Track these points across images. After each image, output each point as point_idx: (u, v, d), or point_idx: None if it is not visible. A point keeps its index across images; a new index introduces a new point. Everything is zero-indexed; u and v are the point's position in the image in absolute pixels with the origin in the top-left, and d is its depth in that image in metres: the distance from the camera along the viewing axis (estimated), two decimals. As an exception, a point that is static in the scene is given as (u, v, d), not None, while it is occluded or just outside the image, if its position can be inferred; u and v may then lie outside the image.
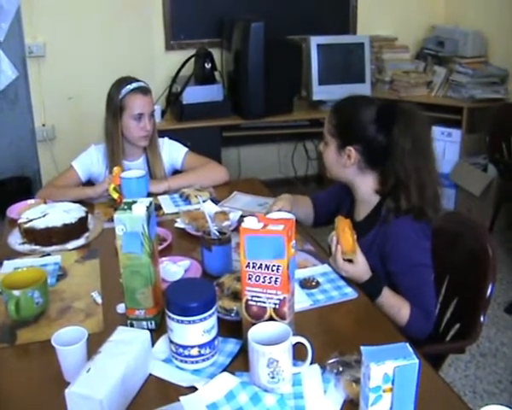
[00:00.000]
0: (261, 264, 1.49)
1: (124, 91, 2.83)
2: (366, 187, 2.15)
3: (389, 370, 1.24)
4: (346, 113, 2.14)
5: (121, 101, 2.83)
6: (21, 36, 4.97)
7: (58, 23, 4.93)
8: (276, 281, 1.49)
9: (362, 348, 1.30)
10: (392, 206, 2.03)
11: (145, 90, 2.85)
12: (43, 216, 2.36)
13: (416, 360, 1.25)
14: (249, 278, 1.51)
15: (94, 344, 1.51)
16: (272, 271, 1.49)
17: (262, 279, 1.50)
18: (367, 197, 2.16)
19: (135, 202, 1.64)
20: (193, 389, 1.45)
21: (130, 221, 1.60)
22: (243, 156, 5.36)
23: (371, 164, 2.10)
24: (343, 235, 1.91)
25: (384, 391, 1.26)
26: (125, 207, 1.63)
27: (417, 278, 1.97)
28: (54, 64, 4.99)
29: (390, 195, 2.06)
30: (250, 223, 1.52)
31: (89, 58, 5.00)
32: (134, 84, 2.84)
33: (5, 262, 2.20)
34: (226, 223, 2.26)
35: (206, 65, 4.52)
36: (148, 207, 1.62)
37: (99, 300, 1.90)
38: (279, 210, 2.20)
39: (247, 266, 1.50)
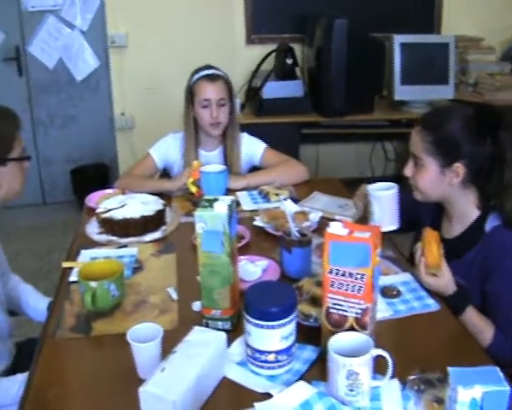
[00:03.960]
0: (345, 271, 1.44)
1: (194, 78, 2.85)
2: (466, 203, 2.02)
3: (477, 395, 1.17)
4: (445, 126, 1.96)
5: (191, 87, 2.85)
6: (104, 26, 5.07)
7: (140, 14, 5.00)
8: (359, 290, 1.44)
9: (449, 368, 1.24)
10: (497, 219, 1.93)
11: (213, 78, 2.83)
12: (122, 207, 2.36)
13: (508, 387, 1.18)
14: (331, 285, 1.46)
15: (168, 341, 1.50)
16: (356, 279, 1.43)
17: (345, 287, 1.45)
18: (465, 213, 2.04)
19: (216, 200, 1.61)
20: (267, 395, 1.42)
21: (211, 219, 1.57)
22: (321, 154, 5.28)
23: (476, 178, 1.97)
24: (429, 248, 1.83)
25: (470, 417, 1.19)
26: (207, 204, 1.60)
27: None
28: (135, 54, 5.07)
29: (494, 208, 1.95)
30: (335, 228, 1.46)
31: (169, 49, 5.05)
32: (205, 72, 2.84)
33: (82, 251, 2.21)
34: (306, 224, 2.21)
35: (287, 60, 4.47)
36: (229, 206, 1.59)
37: (174, 296, 1.88)
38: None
39: (330, 272, 1.45)
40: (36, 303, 2.31)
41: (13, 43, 5.24)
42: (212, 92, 2.80)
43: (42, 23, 5.19)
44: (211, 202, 1.60)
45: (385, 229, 1.96)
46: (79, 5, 5.14)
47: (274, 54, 4.67)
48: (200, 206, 1.60)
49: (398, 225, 2.07)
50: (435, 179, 2.00)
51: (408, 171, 2.07)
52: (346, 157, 5.45)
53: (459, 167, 1.94)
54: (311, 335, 1.60)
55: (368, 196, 2.11)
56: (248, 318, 1.45)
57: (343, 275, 1.44)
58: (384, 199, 2.06)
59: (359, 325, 1.47)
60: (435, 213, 2.17)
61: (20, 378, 1.83)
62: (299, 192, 2.69)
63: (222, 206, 1.58)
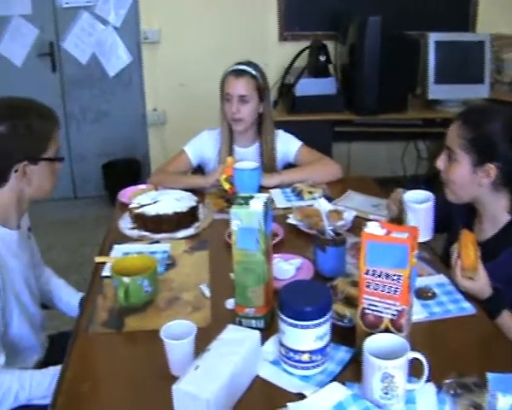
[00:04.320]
0: (381, 272, 1.42)
1: (224, 73, 2.86)
2: (497, 206, 2.00)
3: (518, 402, 1.15)
4: (484, 126, 1.94)
5: (222, 81, 2.86)
6: (137, 22, 5.10)
7: (174, 10, 5.01)
8: (395, 291, 1.42)
9: (488, 374, 1.21)
10: None
11: (238, 73, 2.82)
12: (154, 203, 2.37)
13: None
14: (367, 286, 1.45)
15: (201, 339, 1.49)
16: (393, 280, 1.41)
17: (381, 288, 1.43)
18: (496, 216, 2.01)
19: (252, 197, 1.60)
20: (300, 396, 1.41)
21: (247, 217, 1.56)
22: (353, 152, 5.25)
23: (508, 181, 1.95)
24: (465, 251, 1.80)
25: (510, 424, 1.16)
26: (242, 201, 1.58)
27: None
28: (168, 50, 5.09)
29: None
30: (373, 228, 1.44)
31: (202, 46, 5.06)
32: (234, 67, 2.84)
33: (115, 246, 2.22)
34: (340, 222, 2.19)
35: (320, 57, 4.45)
36: (265, 203, 1.57)
37: (207, 293, 1.88)
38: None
39: (367, 273, 1.44)
40: (68, 298, 2.32)
41: (47, 39, 5.28)
42: (234, 88, 2.80)
43: (76, 19, 5.23)
44: (246, 200, 1.59)
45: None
46: (113, 1, 5.17)
47: (307, 51, 4.65)
48: (236, 203, 1.59)
49: (431, 236, 2.04)
50: (466, 176, 1.98)
51: (440, 163, 2.05)
52: (377, 156, 5.41)
53: (491, 168, 1.92)
54: (345, 335, 1.59)
55: (403, 204, 2.08)
56: (283, 317, 1.44)
57: (379, 276, 1.42)
58: (420, 212, 2.03)
59: (395, 326, 1.45)
60: (468, 215, 2.14)
61: (52, 371, 1.84)
62: (332, 190, 2.67)
63: (258, 203, 1.56)
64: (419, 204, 2.03)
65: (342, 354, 1.56)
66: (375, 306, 1.45)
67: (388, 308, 1.44)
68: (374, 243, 1.42)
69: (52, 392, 1.54)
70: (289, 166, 2.95)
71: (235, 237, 1.59)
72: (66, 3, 5.18)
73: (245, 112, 2.81)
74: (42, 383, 1.81)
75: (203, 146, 2.93)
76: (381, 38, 4.24)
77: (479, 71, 4.68)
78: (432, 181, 5.32)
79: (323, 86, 4.45)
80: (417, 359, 1.37)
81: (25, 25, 5.21)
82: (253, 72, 2.82)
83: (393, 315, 1.44)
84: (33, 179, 1.84)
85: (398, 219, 2.15)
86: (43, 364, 2.02)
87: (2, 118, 1.77)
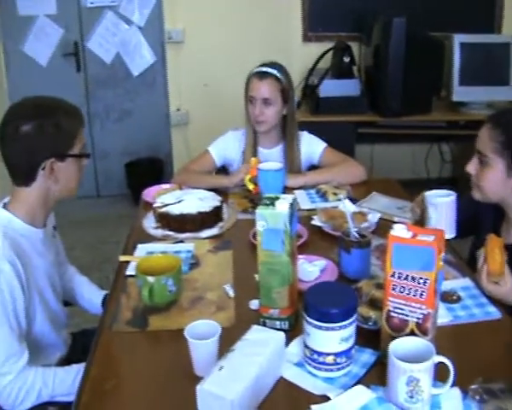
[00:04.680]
0: (407, 275, 1.41)
1: (249, 74, 2.85)
2: None
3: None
4: None
5: (246, 83, 2.86)
6: (161, 22, 5.12)
7: (198, 10, 5.04)
8: (421, 294, 1.41)
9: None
10: None
11: (262, 76, 2.81)
12: (179, 202, 2.37)
13: None
14: (393, 289, 1.44)
15: (224, 339, 1.49)
16: (419, 283, 1.40)
17: (407, 291, 1.42)
18: None
19: (278, 198, 1.59)
20: (325, 398, 1.40)
21: (273, 217, 1.55)
22: (376, 154, 5.23)
23: None
24: (491, 255, 1.78)
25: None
26: (268, 202, 1.58)
27: None
28: (192, 50, 5.11)
29: None
30: (399, 231, 1.43)
31: (226, 46, 5.07)
32: (258, 68, 2.83)
33: (139, 245, 2.23)
34: (364, 224, 2.18)
35: (344, 59, 4.45)
36: (291, 204, 1.57)
37: (231, 293, 1.88)
38: None
39: (393, 275, 1.43)
40: (90, 295, 2.34)
41: (72, 39, 5.32)
42: (257, 90, 2.79)
43: (100, 19, 5.26)
44: (272, 201, 1.58)
45: None
46: (137, 1, 5.20)
47: (331, 52, 4.64)
48: (262, 204, 1.59)
49: (454, 233, 2.02)
50: (499, 180, 1.96)
51: (471, 168, 2.03)
52: (401, 158, 5.39)
53: None
54: (370, 338, 1.58)
55: (425, 202, 2.06)
56: (308, 318, 1.44)
57: (405, 279, 1.42)
58: (441, 206, 2.01)
59: (420, 330, 1.44)
60: (495, 217, 2.12)
61: (75, 369, 1.85)
62: (356, 192, 2.66)
63: (283, 204, 1.56)
64: (441, 198, 2.01)
65: (367, 356, 1.55)
66: (401, 309, 1.45)
67: (414, 312, 1.43)
68: (400, 246, 1.41)
69: (75, 389, 1.55)
70: (313, 167, 2.95)
71: (260, 237, 1.59)
72: (91, 3, 5.22)
73: (268, 114, 2.81)
74: (65, 380, 1.83)
75: (227, 146, 2.93)
76: (405, 39, 4.22)
77: (504, 73, 4.64)
78: (456, 184, 5.31)
79: (347, 88, 4.45)
80: (443, 363, 1.36)
81: (50, 25, 5.25)
82: (277, 74, 2.80)
83: (419, 318, 1.43)
84: (60, 177, 1.85)
85: (421, 222, 2.13)
86: (65, 361, 2.03)
87: (29, 117, 1.79)
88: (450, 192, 2.05)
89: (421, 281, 1.40)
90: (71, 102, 1.93)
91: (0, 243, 1.74)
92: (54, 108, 1.86)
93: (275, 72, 2.81)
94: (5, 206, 1.88)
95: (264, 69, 2.81)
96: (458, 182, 5.22)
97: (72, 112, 1.90)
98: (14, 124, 1.79)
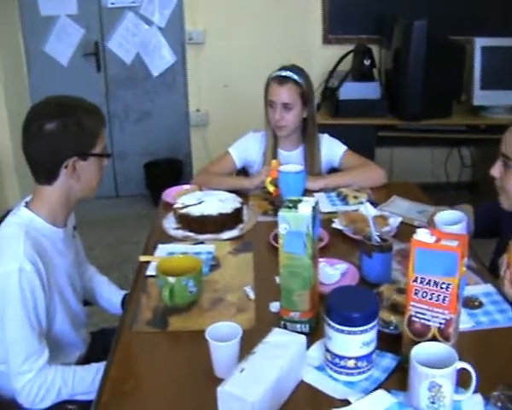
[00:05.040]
0: (430, 280, 1.40)
1: (268, 77, 2.85)
2: None
3: None
4: None
5: (266, 86, 2.85)
6: (182, 23, 5.13)
7: (218, 11, 5.04)
8: (444, 299, 1.40)
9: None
10: None
11: (282, 81, 2.79)
12: (199, 203, 2.37)
13: None
14: (415, 294, 1.43)
15: (245, 341, 1.50)
16: (441, 288, 1.40)
17: (429, 296, 1.42)
18: None
19: (300, 201, 1.59)
20: (345, 402, 1.39)
21: (295, 220, 1.55)
22: (395, 157, 5.22)
23: None
24: None
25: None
26: (290, 205, 1.58)
27: None
28: (212, 51, 5.11)
29: None
30: (422, 235, 1.42)
31: (246, 47, 5.08)
32: (277, 72, 2.82)
33: (159, 246, 2.23)
34: (386, 228, 2.17)
35: (365, 61, 4.43)
36: (314, 207, 1.56)
37: (252, 295, 1.87)
38: None
39: (415, 280, 1.42)
40: (110, 295, 2.34)
41: (92, 39, 5.35)
42: (278, 95, 2.78)
43: (121, 19, 5.29)
44: (295, 203, 1.58)
45: None
46: (157, 2, 5.21)
47: (351, 54, 4.63)
48: (284, 206, 1.59)
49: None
50: None
51: (495, 171, 2.00)
52: (420, 161, 5.36)
53: None
54: (391, 342, 1.57)
55: (436, 224, 2.03)
56: (330, 322, 1.43)
57: (428, 284, 1.41)
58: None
59: (442, 335, 1.43)
60: None
61: (95, 368, 1.86)
62: (376, 196, 2.64)
63: (306, 207, 1.56)
64: (451, 226, 1.99)
65: (387, 361, 1.54)
66: (423, 314, 1.44)
67: (436, 317, 1.42)
68: (423, 251, 1.40)
69: (94, 388, 1.56)
70: (333, 170, 2.94)
71: (282, 240, 1.58)
72: (112, 4, 5.24)
73: (289, 119, 2.80)
74: (84, 379, 1.84)
75: (248, 148, 2.93)
76: (426, 42, 4.19)
77: (526, 77, 4.60)
78: (475, 188, 5.28)
79: (367, 90, 4.43)
80: (464, 369, 1.35)
81: (71, 25, 5.29)
82: (297, 78, 2.79)
83: (441, 324, 1.43)
84: (82, 175, 1.86)
85: None
86: (84, 360, 2.04)
87: (52, 115, 1.80)
88: (461, 216, 2.02)
89: (444, 286, 1.39)
90: (92, 102, 1.94)
91: (22, 242, 1.75)
92: (76, 107, 1.87)
93: (295, 76, 2.79)
94: (27, 205, 1.89)
95: (284, 74, 2.80)
96: (478, 186, 5.20)
97: (93, 111, 1.91)
98: (37, 122, 1.80)
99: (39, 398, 1.77)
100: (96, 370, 1.85)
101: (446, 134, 4.69)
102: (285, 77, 2.79)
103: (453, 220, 2.01)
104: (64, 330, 1.95)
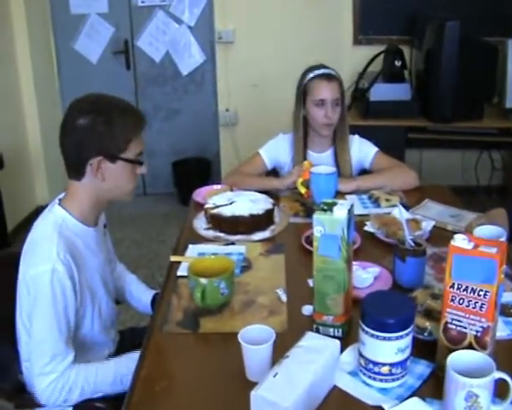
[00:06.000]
0: (467, 286, 1.38)
1: (309, 76, 2.80)
2: None
3: None
4: None
5: (305, 86, 2.81)
6: (212, 22, 5.14)
7: (248, 11, 5.04)
8: (481, 307, 1.38)
9: None
10: None
11: (330, 77, 2.78)
12: (230, 204, 2.36)
13: None
14: (452, 300, 1.41)
15: (277, 344, 1.48)
16: (479, 295, 1.37)
17: (466, 303, 1.39)
18: None
19: (335, 204, 1.57)
20: (379, 408, 1.38)
21: (330, 223, 1.53)
22: (425, 159, 5.17)
23: None
24: None
25: None
26: (325, 207, 1.56)
27: None
28: (241, 51, 5.11)
29: None
30: (460, 241, 1.40)
31: (276, 47, 5.07)
32: (321, 70, 2.80)
33: (190, 246, 2.22)
34: (418, 232, 2.14)
35: (396, 62, 4.39)
36: (349, 210, 1.55)
37: (284, 298, 1.86)
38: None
39: (452, 286, 1.40)
40: (139, 294, 2.34)
41: (122, 37, 5.38)
42: (329, 92, 2.75)
43: (151, 18, 5.31)
44: (330, 206, 1.56)
45: None
46: (188, 1, 5.23)
47: (381, 55, 4.60)
48: (319, 209, 1.57)
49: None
50: None
51: None
52: (450, 164, 5.30)
53: None
54: (425, 349, 1.55)
55: None
56: (364, 327, 1.41)
57: (465, 290, 1.38)
58: None
59: (479, 344, 1.41)
60: None
61: (113, 362, 1.90)
62: (408, 198, 2.61)
63: (342, 210, 1.54)
64: None
65: (422, 368, 1.52)
66: (459, 321, 1.42)
67: (473, 324, 1.40)
68: (461, 257, 1.38)
69: (117, 384, 1.60)
70: (364, 172, 2.91)
71: (317, 243, 1.57)
72: (142, 2, 5.27)
73: (337, 116, 2.80)
74: (107, 376, 1.84)
75: (278, 150, 2.91)
76: (458, 44, 4.14)
77: (560, 80, 4.53)
78: (506, 192, 5.22)
79: (398, 92, 4.40)
80: (502, 379, 1.32)
81: (101, 23, 5.33)
82: (338, 75, 2.81)
83: (478, 332, 1.40)
84: (107, 177, 1.84)
85: None
86: (113, 359, 2.04)
87: (85, 112, 1.80)
88: (501, 231, 1.97)
89: (482, 293, 1.37)
90: (131, 104, 1.93)
91: (55, 242, 1.75)
92: (109, 106, 1.85)
93: (336, 74, 2.81)
94: (60, 202, 1.89)
95: (329, 71, 2.80)
96: (509, 190, 5.14)
97: (129, 114, 1.88)
98: (72, 116, 1.81)
99: (62, 397, 1.77)
100: (114, 367, 1.86)
101: (477, 137, 4.63)
102: (331, 74, 2.79)
103: (492, 236, 1.97)
104: (94, 329, 1.95)
